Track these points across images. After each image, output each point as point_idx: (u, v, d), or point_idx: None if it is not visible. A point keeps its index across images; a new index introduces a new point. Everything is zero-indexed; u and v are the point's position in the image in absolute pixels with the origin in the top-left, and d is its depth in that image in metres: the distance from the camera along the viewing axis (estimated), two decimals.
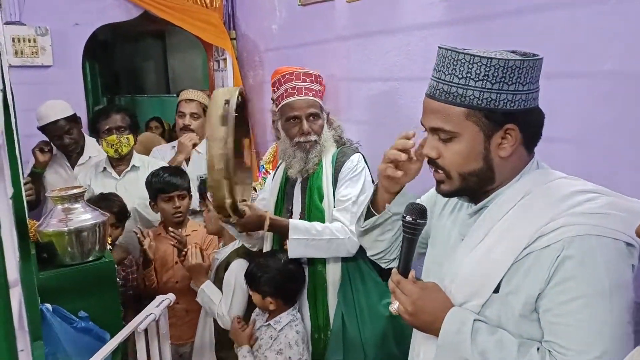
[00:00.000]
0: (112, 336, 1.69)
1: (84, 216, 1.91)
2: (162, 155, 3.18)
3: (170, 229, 2.46)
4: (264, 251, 2.19)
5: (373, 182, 2.06)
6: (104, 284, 1.92)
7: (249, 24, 3.67)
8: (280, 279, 2.00)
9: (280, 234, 2.07)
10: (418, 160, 1.25)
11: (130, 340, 1.73)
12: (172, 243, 2.46)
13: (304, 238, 1.96)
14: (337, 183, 2.04)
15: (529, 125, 1.09)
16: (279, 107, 2.06)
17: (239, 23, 3.80)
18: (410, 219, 1.16)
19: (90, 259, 1.91)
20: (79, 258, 1.89)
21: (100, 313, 1.86)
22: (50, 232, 1.85)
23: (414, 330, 1.29)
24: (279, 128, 2.11)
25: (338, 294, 2.01)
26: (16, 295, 0.46)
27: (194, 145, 3.09)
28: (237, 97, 1.72)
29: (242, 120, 1.96)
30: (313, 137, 2.02)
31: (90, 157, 3.03)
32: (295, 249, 1.98)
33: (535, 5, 1.65)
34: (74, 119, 2.92)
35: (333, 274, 2.02)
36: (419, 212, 1.16)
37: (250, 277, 2.05)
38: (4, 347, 0.40)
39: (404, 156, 1.22)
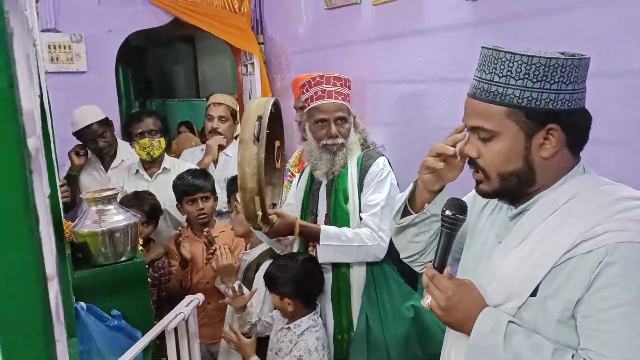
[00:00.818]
0: (143, 334, 1.73)
1: (117, 217, 1.96)
2: (192, 157, 3.25)
3: (205, 229, 2.50)
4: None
5: (397, 185, 2.07)
6: (136, 283, 1.97)
7: (276, 28, 3.71)
8: (298, 279, 2.00)
9: (310, 239, 2.09)
10: (462, 158, 1.21)
11: (162, 339, 1.77)
12: (203, 241, 2.50)
13: (334, 244, 1.98)
14: (364, 187, 2.04)
15: (573, 126, 1.06)
16: (307, 109, 2.08)
17: (266, 27, 3.84)
18: (450, 214, 1.14)
19: (123, 259, 1.97)
20: (111, 258, 1.94)
21: (132, 312, 1.90)
22: (85, 232, 1.90)
23: (447, 330, 1.27)
24: (305, 129, 2.13)
25: (362, 296, 2.02)
26: (54, 289, 0.49)
27: (221, 147, 3.14)
28: (271, 109, 1.73)
29: (276, 121, 1.96)
30: (340, 140, 2.03)
31: (123, 160, 3.09)
32: (325, 254, 2.00)
33: (561, 5, 1.63)
34: (106, 122, 3.00)
35: (357, 276, 2.03)
36: (459, 207, 1.14)
37: (268, 278, 2.06)
38: (42, 337, 0.42)
39: (451, 150, 1.18)
